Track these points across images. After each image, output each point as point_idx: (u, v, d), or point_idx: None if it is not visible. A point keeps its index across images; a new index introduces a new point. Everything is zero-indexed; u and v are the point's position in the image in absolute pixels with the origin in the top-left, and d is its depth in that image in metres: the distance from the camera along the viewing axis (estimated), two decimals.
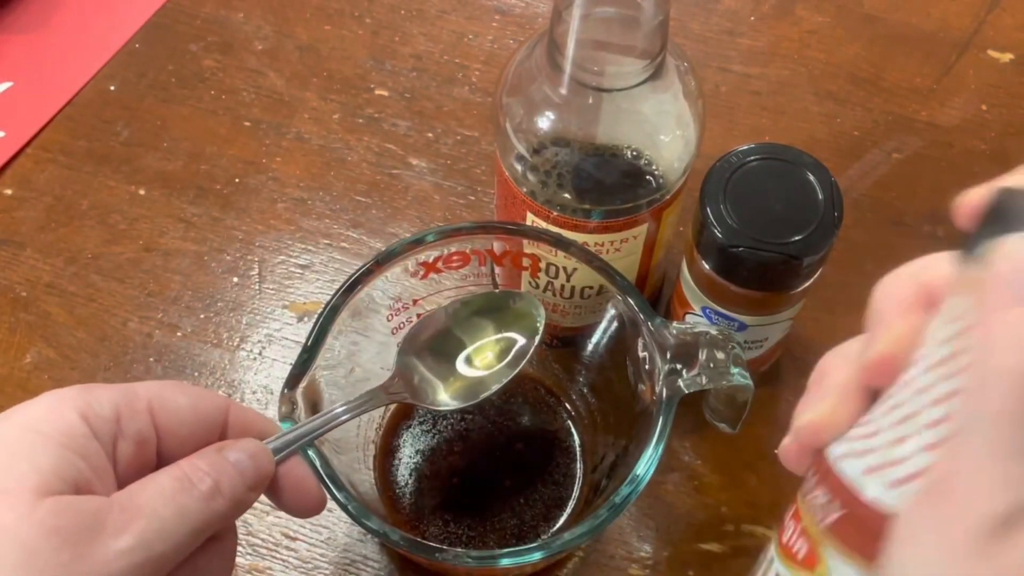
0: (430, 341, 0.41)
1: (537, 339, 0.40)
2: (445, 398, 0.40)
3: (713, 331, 0.38)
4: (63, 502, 0.28)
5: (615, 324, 0.41)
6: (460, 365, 0.41)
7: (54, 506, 0.28)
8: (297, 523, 0.46)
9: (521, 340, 0.41)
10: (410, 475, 0.45)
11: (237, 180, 0.56)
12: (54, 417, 0.29)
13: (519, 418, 0.47)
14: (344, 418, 0.36)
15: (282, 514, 0.44)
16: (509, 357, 0.40)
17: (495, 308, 0.41)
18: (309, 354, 0.37)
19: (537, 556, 0.34)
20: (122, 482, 0.30)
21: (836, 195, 0.40)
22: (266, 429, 0.34)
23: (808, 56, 0.61)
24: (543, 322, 0.40)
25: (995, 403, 0.21)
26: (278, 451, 0.34)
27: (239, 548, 0.45)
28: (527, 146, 0.40)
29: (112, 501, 0.29)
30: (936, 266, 0.26)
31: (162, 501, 0.29)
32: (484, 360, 0.41)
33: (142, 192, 0.55)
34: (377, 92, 0.59)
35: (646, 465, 0.35)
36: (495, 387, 0.39)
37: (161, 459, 0.32)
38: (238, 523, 0.45)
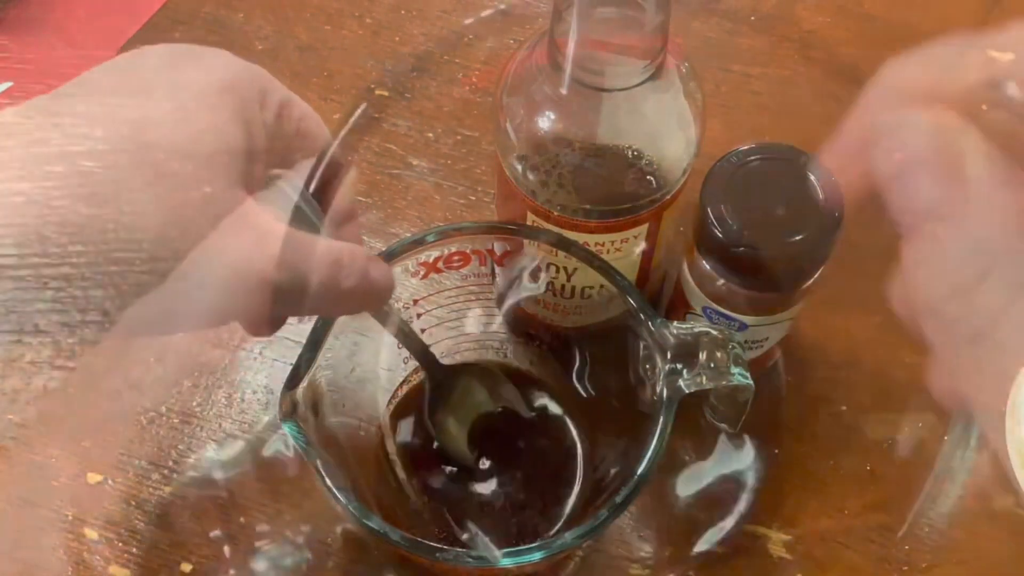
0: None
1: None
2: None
3: (713, 331, 0.38)
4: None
5: (615, 324, 0.41)
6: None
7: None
8: (296, 523, 0.46)
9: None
10: (410, 475, 0.45)
11: None
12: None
13: (519, 418, 0.47)
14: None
15: (279, 511, 0.44)
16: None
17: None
18: (309, 354, 0.37)
19: (537, 556, 0.34)
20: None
21: (836, 195, 0.40)
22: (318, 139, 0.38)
23: (808, 56, 0.60)
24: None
25: None
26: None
27: None
28: (527, 146, 0.40)
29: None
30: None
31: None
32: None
33: None
34: (377, 92, 0.59)
35: (646, 465, 0.35)
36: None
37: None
38: (240, 521, 0.45)
